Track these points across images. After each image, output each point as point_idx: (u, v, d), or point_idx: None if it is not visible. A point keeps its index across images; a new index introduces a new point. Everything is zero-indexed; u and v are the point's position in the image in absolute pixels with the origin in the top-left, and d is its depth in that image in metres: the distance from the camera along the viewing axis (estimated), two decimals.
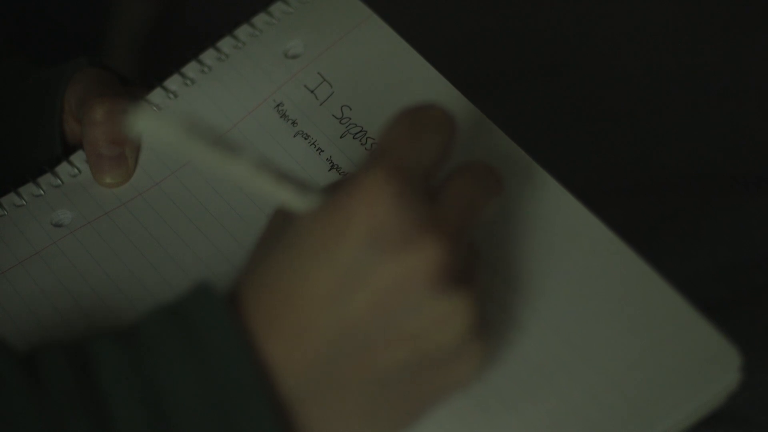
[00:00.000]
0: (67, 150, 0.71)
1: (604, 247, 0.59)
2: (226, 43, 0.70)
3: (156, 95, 0.70)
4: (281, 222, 0.54)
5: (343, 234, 0.51)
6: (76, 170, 0.69)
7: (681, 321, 0.57)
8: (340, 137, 0.66)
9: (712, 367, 0.56)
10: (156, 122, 0.49)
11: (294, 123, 0.68)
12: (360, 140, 0.66)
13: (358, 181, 0.51)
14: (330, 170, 0.66)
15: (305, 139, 0.67)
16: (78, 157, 0.69)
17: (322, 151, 0.66)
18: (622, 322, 0.57)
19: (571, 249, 0.59)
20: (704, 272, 0.87)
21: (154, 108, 0.46)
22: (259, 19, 0.71)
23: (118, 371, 0.52)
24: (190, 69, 0.70)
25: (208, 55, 0.70)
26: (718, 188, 0.93)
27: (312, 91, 0.68)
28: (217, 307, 0.52)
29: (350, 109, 0.67)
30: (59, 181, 0.68)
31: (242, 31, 0.70)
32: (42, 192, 0.68)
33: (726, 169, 0.95)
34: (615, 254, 0.59)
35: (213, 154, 0.50)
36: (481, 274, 0.55)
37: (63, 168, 0.69)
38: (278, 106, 0.68)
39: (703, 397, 0.55)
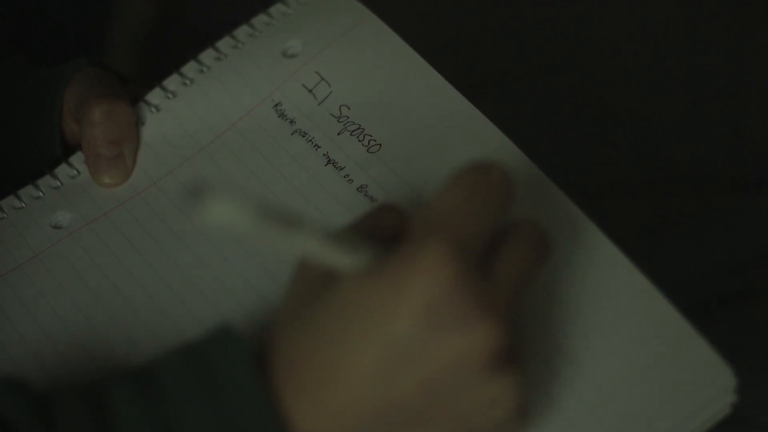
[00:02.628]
0: (67, 151, 0.70)
1: (608, 261, 0.59)
2: (224, 43, 0.70)
3: (155, 95, 0.70)
4: (321, 278, 0.52)
5: (398, 308, 0.49)
6: (75, 171, 0.69)
7: (680, 340, 0.57)
8: (338, 134, 0.66)
9: (709, 389, 0.56)
10: (230, 210, 0.47)
11: (292, 122, 0.68)
12: (357, 137, 0.66)
13: (416, 252, 0.49)
14: (326, 165, 0.66)
15: (302, 136, 0.67)
16: (77, 159, 0.69)
17: (319, 147, 0.66)
18: (620, 338, 0.57)
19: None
20: (704, 272, 0.87)
21: (224, 192, 0.45)
22: (258, 19, 0.70)
23: (136, 420, 0.51)
24: (189, 69, 0.70)
25: (207, 55, 0.70)
26: (719, 188, 0.93)
27: (310, 91, 0.68)
28: (241, 359, 0.51)
29: (348, 108, 0.67)
30: (58, 183, 0.68)
31: (241, 31, 0.70)
32: (41, 194, 0.68)
33: (726, 170, 0.95)
34: (615, 267, 0.59)
35: (277, 236, 0.49)
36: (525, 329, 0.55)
37: (62, 169, 0.69)
38: (276, 105, 0.68)
39: (698, 419, 0.56)
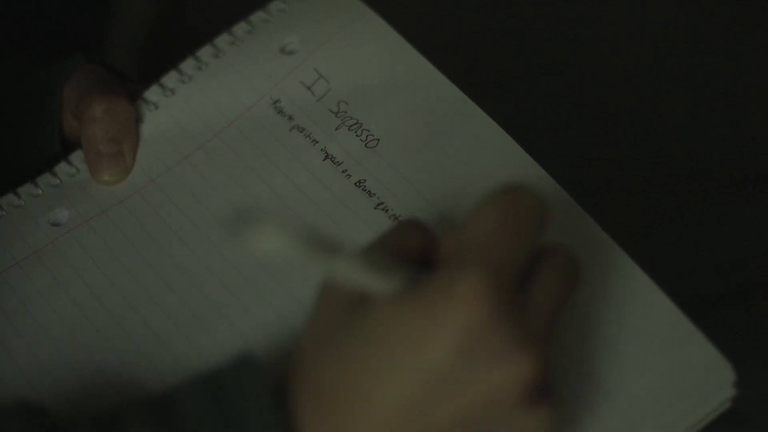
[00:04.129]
0: (66, 148, 0.70)
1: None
2: (222, 40, 0.70)
3: (153, 92, 0.70)
4: (348, 302, 0.51)
5: (433, 338, 0.48)
6: (74, 169, 0.69)
7: (679, 336, 0.57)
8: (336, 129, 0.66)
9: (708, 385, 0.56)
10: (276, 239, 0.46)
11: (290, 118, 0.68)
12: (355, 132, 0.66)
13: (453, 281, 0.48)
14: (324, 160, 0.66)
15: (300, 132, 0.67)
16: (77, 157, 0.69)
17: (317, 142, 0.66)
18: (620, 333, 0.57)
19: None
20: (703, 269, 0.87)
21: (269, 218, 0.44)
22: (256, 16, 0.70)
23: None
24: (187, 66, 0.70)
25: (205, 52, 0.70)
26: (717, 187, 0.93)
27: (308, 88, 0.68)
28: (260, 390, 0.50)
29: (347, 104, 0.67)
30: (58, 181, 0.68)
31: (239, 28, 0.70)
32: (40, 192, 0.68)
33: (725, 169, 0.95)
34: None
35: (319, 262, 0.48)
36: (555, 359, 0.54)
37: (62, 167, 0.69)
38: (275, 103, 0.68)
39: (698, 414, 0.56)
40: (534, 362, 0.48)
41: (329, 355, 0.50)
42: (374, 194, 0.64)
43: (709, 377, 0.56)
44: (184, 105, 0.69)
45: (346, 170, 0.65)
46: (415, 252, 0.53)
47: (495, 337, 0.48)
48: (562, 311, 0.52)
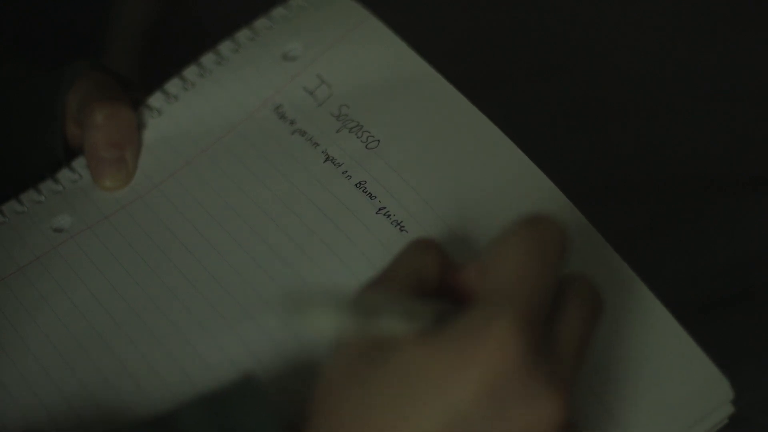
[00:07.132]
0: (69, 154, 0.70)
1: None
2: (225, 47, 0.70)
3: (156, 99, 0.70)
4: (371, 340, 0.49)
5: (462, 380, 0.47)
6: (77, 176, 0.69)
7: (680, 353, 0.57)
8: (336, 132, 0.67)
9: (706, 402, 0.56)
10: (330, 320, 0.46)
11: (292, 122, 0.68)
12: (356, 134, 0.66)
13: (483, 325, 0.48)
14: (325, 162, 0.66)
15: (302, 135, 0.67)
16: (79, 163, 0.69)
17: (318, 144, 0.66)
18: (621, 351, 0.57)
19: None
20: (702, 272, 0.87)
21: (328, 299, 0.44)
22: (259, 23, 0.71)
23: None
24: (190, 72, 0.70)
25: (208, 59, 0.70)
26: (718, 188, 0.93)
27: (311, 93, 0.68)
28: (263, 413, 0.50)
29: (348, 107, 0.67)
30: (60, 187, 0.68)
31: (242, 34, 0.70)
32: (43, 198, 0.68)
33: (725, 170, 0.95)
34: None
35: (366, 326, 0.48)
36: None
37: (64, 174, 0.69)
38: (277, 108, 0.68)
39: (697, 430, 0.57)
40: (563, 407, 0.48)
41: (353, 392, 0.49)
42: (375, 197, 0.64)
43: (709, 396, 0.56)
44: (187, 111, 0.69)
45: (346, 171, 0.65)
46: (433, 278, 0.52)
47: (525, 381, 0.48)
48: (588, 347, 0.51)
